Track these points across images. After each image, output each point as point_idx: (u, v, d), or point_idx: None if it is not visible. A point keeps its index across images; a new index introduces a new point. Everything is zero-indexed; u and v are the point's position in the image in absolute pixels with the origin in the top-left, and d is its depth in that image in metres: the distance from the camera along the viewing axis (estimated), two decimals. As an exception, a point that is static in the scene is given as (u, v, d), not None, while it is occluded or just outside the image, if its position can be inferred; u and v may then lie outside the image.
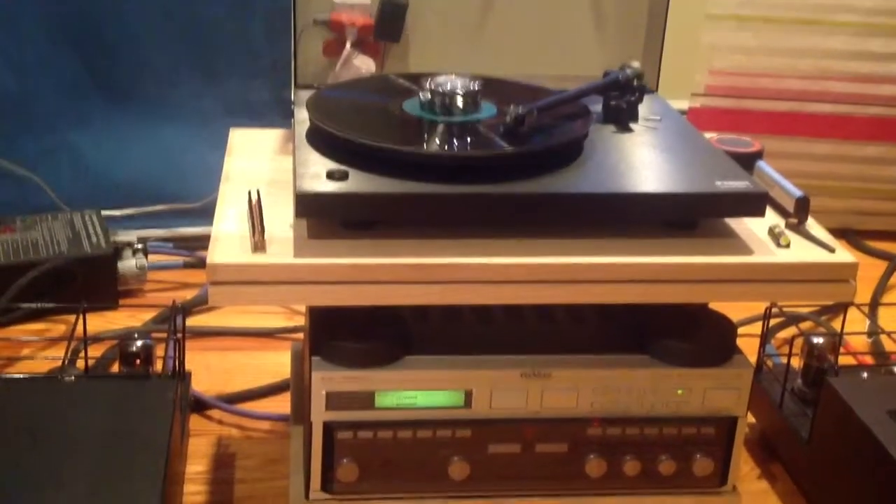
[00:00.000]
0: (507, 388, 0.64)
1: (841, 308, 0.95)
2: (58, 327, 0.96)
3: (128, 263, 1.02)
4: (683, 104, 1.25)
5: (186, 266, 1.09)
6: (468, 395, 0.64)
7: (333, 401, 0.63)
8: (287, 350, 0.91)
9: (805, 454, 0.80)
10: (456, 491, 0.66)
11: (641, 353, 0.66)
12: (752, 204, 0.63)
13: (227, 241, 0.61)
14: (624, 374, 0.65)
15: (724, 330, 0.68)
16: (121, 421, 0.64)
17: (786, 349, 0.85)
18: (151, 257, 1.06)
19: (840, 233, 0.65)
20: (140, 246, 1.04)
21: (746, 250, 0.63)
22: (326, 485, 0.65)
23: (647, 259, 0.61)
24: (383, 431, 0.64)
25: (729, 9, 1.22)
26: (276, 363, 0.93)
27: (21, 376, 0.73)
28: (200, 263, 1.09)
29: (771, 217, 0.66)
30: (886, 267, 1.17)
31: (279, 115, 1.16)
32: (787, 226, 0.66)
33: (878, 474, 0.70)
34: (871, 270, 1.15)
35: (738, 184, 0.63)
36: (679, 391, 0.66)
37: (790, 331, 0.97)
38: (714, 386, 0.66)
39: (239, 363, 0.94)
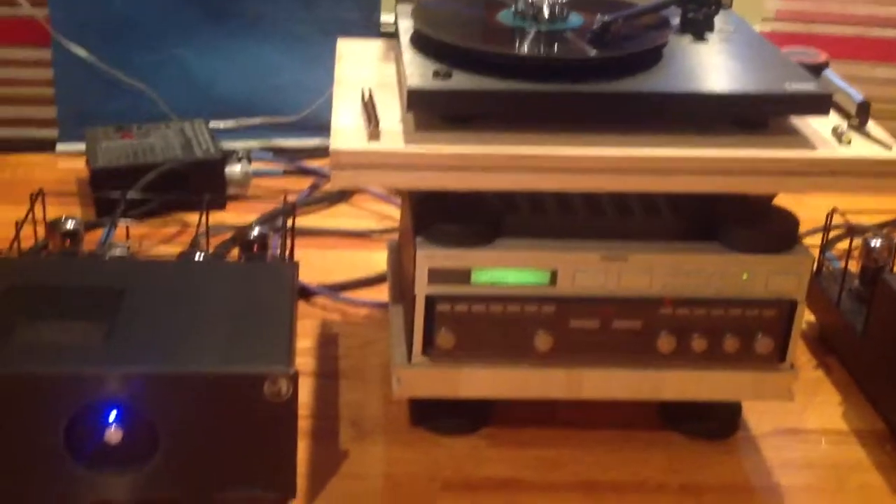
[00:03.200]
0: (588, 270, 0.72)
1: (899, 219, 1.01)
2: (173, 223, 1.06)
3: (234, 169, 1.10)
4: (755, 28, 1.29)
5: (286, 174, 1.17)
6: (553, 275, 0.72)
7: (435, 276, 0.71)
8: (378, 249, 1.00)
9: (859, 346, 0.86)
10: (539, 360, 0.74)
11: (711, 241, 0.73)
12: (818, 104, 0.69)
13: (346, 132, 0.68)
14: (694, 259, 0.72)
15: (788, 222, 0.74)
16: (248, 296, 0.72)
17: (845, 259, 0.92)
18: (254, 164, 1.14)
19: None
20: (245, 153, 1.12)
21: (811, 146, 0.69)
22: (426, 350, 0.74)
23: (720, 152, 0.68)
24: (477, 305, 0.72)
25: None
26: (370, 260, 1.01)
27: (154, 258, 0.82)
28: (300, 171, 1.17)
29: (835, 119, 0.73)
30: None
31: (369, 35, 1.23)
32: (849, 127, 0.72)
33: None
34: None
35: (806, 85, 0.69)
36: (744, 275, 0.72)
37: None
38: (777, 271, 0.72)
39: (337, 259, 1.02)
